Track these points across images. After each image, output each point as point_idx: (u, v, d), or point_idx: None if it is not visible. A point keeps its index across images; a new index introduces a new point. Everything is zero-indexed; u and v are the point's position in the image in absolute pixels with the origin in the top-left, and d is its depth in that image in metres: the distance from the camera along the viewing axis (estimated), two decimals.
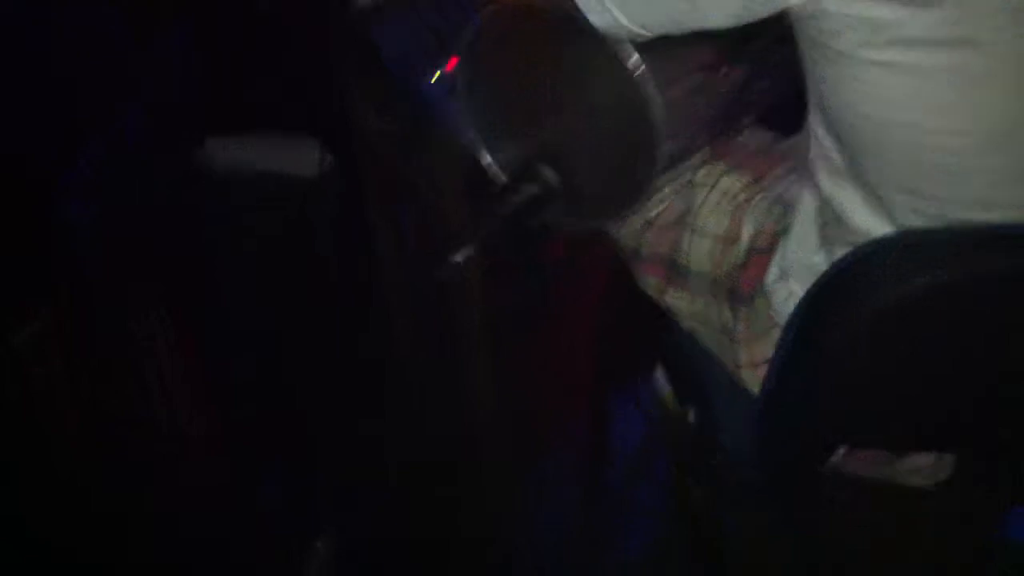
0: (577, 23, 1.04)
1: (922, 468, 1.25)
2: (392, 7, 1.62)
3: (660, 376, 1.48)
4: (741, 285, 1.21)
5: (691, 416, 1.39)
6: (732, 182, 1.25)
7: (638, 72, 1.06)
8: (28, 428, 1.77)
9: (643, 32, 1.03)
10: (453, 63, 1.45)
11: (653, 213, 1.28)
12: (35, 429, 1.78)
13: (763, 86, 1.19)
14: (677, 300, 1.28)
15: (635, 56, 1.06)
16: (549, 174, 1.16)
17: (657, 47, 1.05)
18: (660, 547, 1.71)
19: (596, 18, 1.04)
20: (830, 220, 1.10)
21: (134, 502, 1.79)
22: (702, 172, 1.26)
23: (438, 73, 1.52)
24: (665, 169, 1.14)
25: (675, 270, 1.27)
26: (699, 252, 1.25)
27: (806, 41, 0.98)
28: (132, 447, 1.83)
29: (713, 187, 1.25)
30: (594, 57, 1.08)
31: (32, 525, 1.72)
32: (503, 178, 1.22)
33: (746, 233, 1.21)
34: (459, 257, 1.16)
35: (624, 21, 1.02)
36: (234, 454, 1.87)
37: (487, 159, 1.24)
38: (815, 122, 1.08)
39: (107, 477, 1.80)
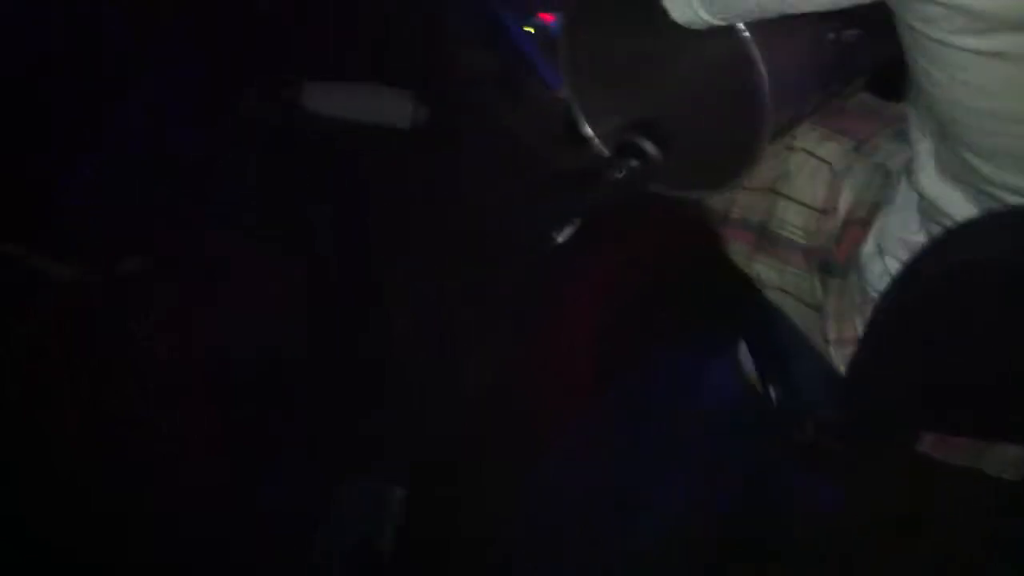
0: None
1: (1013, 461, 1.20)
2: None
3: (742, 350, 1.43)
4: (835, 257, 1.16)
5: (773, 392, 1.34)
6: (832, 148, 1.18)
7: (743, 35, 1.02)
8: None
9: (728, 24, 0.99)
10: (549, 17, 1.40)
11: None
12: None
13: (874, 47, 1.12)
14: (765, 269, 1.23)
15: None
16: (650, 146, 1.11)
17: None
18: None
19: (677, 13, 1.00)
20: (931, 207, 1.05)
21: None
22: (800, 136, 1.20)
23: (536, 23, 1.50)
24: (775, 138, 1.10)
25: (765, 237, 1.22)
26: (792, 220, 1.19)
27: (903, 29, 0.94)
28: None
29: (811, 153, 1.19)
30: None
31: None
32: (605, 151, 1.18)
33: (843, 203, 1.16)
34: (564, 235, 1.14)
35: (706, 15, 0.99)
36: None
37: (588, 131, 1.20)
38: (913, 118, 1.05)
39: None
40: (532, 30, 1.71)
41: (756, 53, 1.03)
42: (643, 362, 1.72)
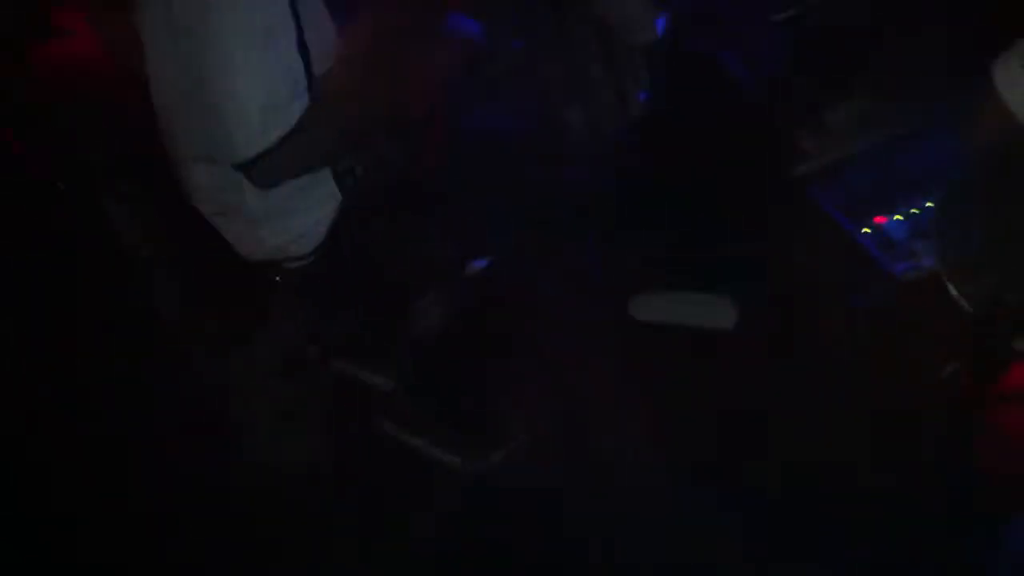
0: None
1: None
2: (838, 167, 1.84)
3: None
4: None
5: None
6: None
7: None
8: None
9: None
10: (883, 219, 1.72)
11: None
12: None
13: None
14: None
15: None
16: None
17: None
18: None
19: None
20: None
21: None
22: None
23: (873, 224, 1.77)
24: None
25: None
26: None
27: None
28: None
29: None
30: None
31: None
32: (969, 309, 1.25)
33: None
34: None
35: None
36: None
37: (953, 291, 1.28)
38: None
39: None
40: (869, 230, 1.95)
41: None
42: None
